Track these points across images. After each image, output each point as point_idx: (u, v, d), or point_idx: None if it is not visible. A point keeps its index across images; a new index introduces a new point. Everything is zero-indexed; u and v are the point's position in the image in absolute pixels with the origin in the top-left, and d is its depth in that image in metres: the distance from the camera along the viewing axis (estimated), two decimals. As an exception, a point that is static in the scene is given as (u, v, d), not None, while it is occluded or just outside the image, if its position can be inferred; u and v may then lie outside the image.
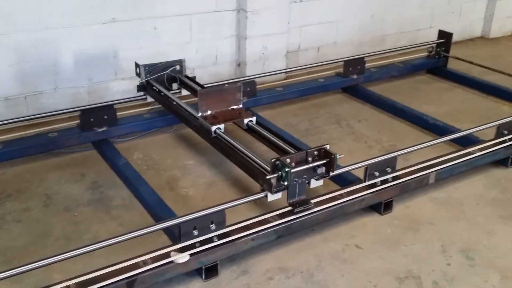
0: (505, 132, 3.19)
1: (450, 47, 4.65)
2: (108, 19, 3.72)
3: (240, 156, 2.63)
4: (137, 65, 3.37)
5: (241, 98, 2.92)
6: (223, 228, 2.29)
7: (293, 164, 2.34)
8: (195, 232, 2.22)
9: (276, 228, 2.38)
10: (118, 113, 3.37)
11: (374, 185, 2.71)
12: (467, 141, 3.25)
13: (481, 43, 5.79)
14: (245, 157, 2.60)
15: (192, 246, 2.22)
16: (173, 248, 2.19)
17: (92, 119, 3.26)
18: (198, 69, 4.23)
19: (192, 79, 3.40)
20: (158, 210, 2.63)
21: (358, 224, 2.70)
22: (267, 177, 2.33)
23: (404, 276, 2.34)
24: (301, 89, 4.08)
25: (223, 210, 2.27)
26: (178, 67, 3.42)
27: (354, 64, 4.26)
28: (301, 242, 2.55)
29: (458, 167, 2.99)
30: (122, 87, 3.94)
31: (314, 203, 2.53)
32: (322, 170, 2.40)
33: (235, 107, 2.89)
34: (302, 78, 4.30)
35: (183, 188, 2.97)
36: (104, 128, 3.29)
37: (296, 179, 2.37)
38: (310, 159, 2.40)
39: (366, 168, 2.69)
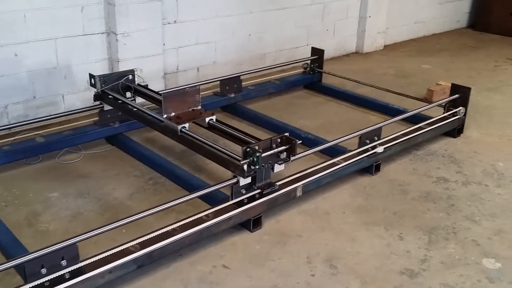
0: (367, 141, 3.36)
1: (323, 63, 4.85)
2: (-41, 47, 3.46)
3: (209, 149, 2.85)
4: (91, 76, 3.51)
5: (200, 100, 3.12)
6: (75, 264, 2.16)
7: (260, 150, 2.60)
8: (44, 271, 2.07)
9: (136, 257, 2.29)
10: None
11: (241, 203, 2.72)
12: (334, 152, 3.37)
13: (356, 58, 6.13)
14: (214, 149, 2.82)
15: (41, 286, 2.06)
16: (18, 291, 2.03)
17: None
18: (67, 95, 4.05)
19: (146, 87, 3.58)
20: (11, 249, 2.42)
21: (228, 243, 2.68)
22: (241, 162, 2.57)
23: (269, 292, 2.35)
24: (178, 110, 4.03)
25: (74, 244, 2.15)
26: (130, 76, 3.57)
27: (231, 83, 4.29)
28: (168, 268, 2.47)
29: (324, 178, 3.09)
30: (-19, 118, 3.67)
31: (179, 226, 2.49)
32: (284, 155, 2.68)
33: (195, 108, 3.10)
34: (181, 99, 4.24)
35: (43, 223, 2.78)
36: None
37: (263, 164, 2.63)
38: (274, 145, 2.68)
39: (232, 187, 2.70)
